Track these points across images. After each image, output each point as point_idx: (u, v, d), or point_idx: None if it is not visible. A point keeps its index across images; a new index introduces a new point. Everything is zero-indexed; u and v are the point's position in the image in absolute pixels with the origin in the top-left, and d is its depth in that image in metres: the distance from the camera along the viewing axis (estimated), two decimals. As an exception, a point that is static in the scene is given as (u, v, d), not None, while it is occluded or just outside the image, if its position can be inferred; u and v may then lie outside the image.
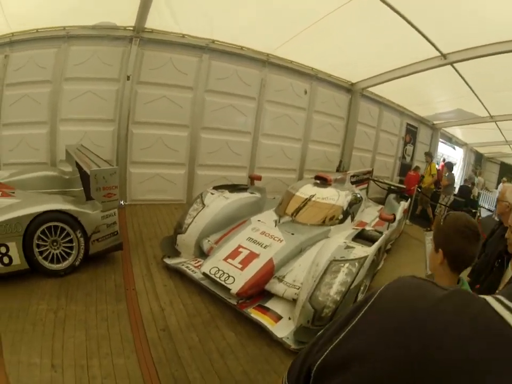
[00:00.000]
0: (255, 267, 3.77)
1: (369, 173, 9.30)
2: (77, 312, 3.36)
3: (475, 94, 9.10)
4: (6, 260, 3.65)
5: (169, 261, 4.46)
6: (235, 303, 3.70)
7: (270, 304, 3.69)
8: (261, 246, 4.06)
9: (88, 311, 3.41)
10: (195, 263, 4.30)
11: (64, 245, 3.93)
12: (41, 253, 3.82)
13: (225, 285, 3.71)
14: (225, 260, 3.96)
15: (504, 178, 17.62)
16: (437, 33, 6.33)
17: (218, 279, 3.77)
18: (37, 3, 5.43)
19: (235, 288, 3.64)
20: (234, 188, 5.71)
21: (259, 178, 6.28)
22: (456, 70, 7.70)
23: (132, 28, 6.54)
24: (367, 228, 4.88)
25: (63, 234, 3.92)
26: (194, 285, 4.03)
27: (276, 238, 4.24)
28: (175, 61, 7.16)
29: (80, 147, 5.68)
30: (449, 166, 9.64)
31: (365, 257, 3.63)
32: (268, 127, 8.71)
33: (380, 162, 11.43)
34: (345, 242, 4.00)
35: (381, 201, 8.39)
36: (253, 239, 4.25)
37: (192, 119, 7.63)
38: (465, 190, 13.32)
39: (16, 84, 6.28)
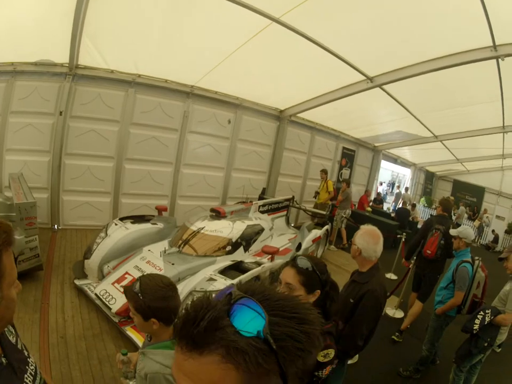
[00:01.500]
0: (133, 291, 4.95)
1: (289, 200, 9.92)
2: (3, 317, 4.82)
3: (412, 115, 9.76)
4: None
5: (77, 282, 5.50)
6: (117, 321, 4.62)
7: None
8: (143, 273, 4.56)
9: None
10: (97, 285, 5.25)
11: (-5, 263, 5.39)
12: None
13: (108, 304, 4.71)
14: (113, 283, 4.96)
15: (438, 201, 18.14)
16: (360, 57, 6.93)
17: (104, 300, 4.80)
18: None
19: (115, 308, 4.63)
20: (139, 218, 6.58)
21: (165, 209, 7.28)
22: (387, 93, 8.33)
23: (67, 65, 7.35)
24: (247, 260, 5.64)
25: (-6, 254, 5.37)
26: (94, 303, 5.07)
27: (156, 267, 5.17)
28: (104, 95, 8.07)
29: (20, 176, 6.84)
30: (347, 182, 10.73)
31: None
32: (190, 157, 9.58)
33: (312, 187, 12.16)
34: (211, 274, 4.73)
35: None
36: (138, 267, 5.20)
37: (117, 151, 8.55)
38: (403, 212, 14.20)
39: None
